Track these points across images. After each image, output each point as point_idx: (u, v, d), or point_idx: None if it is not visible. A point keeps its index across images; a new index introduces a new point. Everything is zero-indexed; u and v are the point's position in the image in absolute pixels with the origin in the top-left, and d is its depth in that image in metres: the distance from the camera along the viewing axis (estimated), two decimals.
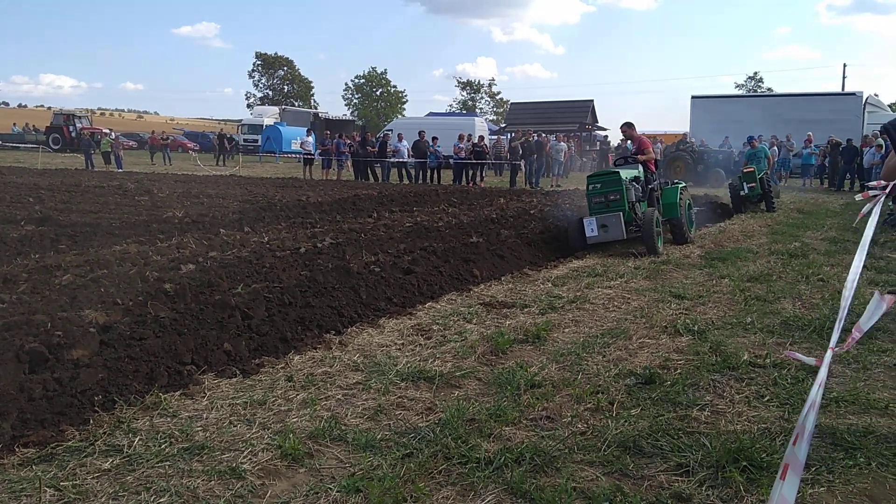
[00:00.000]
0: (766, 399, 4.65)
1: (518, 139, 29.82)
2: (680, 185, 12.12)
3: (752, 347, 5.79)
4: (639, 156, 12.02)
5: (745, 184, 17.55)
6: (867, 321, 2.73)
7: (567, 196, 19.26)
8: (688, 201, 12.18)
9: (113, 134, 41.09)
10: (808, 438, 1.94)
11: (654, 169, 12.24)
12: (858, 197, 6.28)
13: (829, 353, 2.39)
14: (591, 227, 10.61)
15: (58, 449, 3.73)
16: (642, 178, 11.73)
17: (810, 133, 29.80)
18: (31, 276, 7.61)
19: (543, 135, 31.82)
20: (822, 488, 3.45)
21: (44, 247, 9.69)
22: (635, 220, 10.95)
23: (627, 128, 12.62)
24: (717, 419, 4.32)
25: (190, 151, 48.39)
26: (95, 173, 28.39)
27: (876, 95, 40.84)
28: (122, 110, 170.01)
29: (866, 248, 3.75)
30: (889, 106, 47.59)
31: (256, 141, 51.83)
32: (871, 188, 6.42)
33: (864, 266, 9.07)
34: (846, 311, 3.00)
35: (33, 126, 58.08)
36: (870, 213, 5.43)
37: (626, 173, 11.28)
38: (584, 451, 3.84)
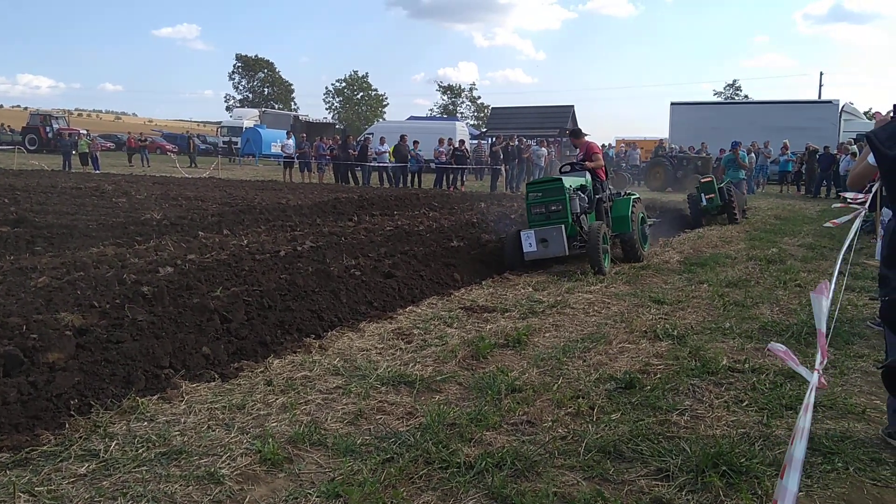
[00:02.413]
0: (745, 404, 4.68)
1: (500, 144, 29.88)
2: (633, 197, 10.94)
3: (730, 352, 5.83)
4: (587, 162, 10.83)
5: (703, 195, 16.22)
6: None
7: None
8: (641, 214, 10.95)
9: (90, 135, 40.70)
10: (798, 468, 1.91)
11: (604, 177, 11.09)
12: (837, 206, 6.39)
13: (815, 375, 2.37)
14: (528, 242, 9.37)
15: (33, 454, 3.68)
16: (589, 188, 10.47)
17: (786, 140, 30.13)
18: (6, 277, 7.52)
19: (524, 140, 31.92)
20: (800, 493, 3.47)
21: (19, 248, 9.58)
22: (580, 235, 9.76)
23: (574, 136, 11.72)
24: (697, 424, 4.34)
25: (168, 153, 48.02)
26: (72, 174, 28.10)
27: (851, 103, 41.36)
28: (100, 111, 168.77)
29: (839, 263, 3.79)
30: (864, 113, 48.15)
31: (236, 143, 51.54)
32: (852, 202, 6.52)
33: (841, 272, 9.19)
34: (831, 329, 3.00)
35: (9, 126, 57.41)
36: (843, 223, 5.52)
37: (570, 181, 10.07)
38: (565, 455, 3.84)
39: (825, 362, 2.48)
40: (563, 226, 9.36)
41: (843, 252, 3.84)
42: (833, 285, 3.40)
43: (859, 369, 5.46)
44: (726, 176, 18.47)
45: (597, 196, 10.58)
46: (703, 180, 16.73)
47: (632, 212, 10.43)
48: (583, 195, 10.12)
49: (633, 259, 10.35)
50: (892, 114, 5.10)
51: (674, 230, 14.40)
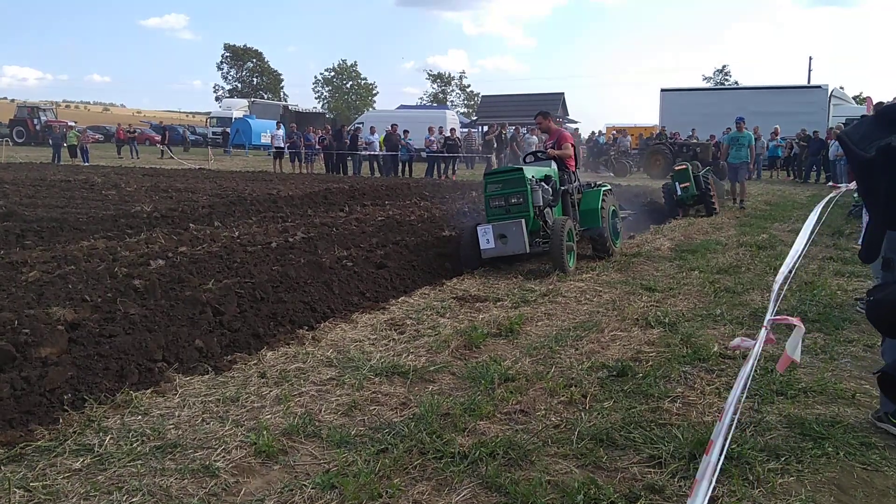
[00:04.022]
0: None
1: (493, 132, 29.86)
2: (603, 188, 10.14)
3: (721, 339, 5.86)
4: (551, 150, 9.94)
5: (677, 184, 15.03)
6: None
7: None
8: (612, 207, 10.08)
9: (79, 127, 40.45)
10: (731, 408, 2.00)
11: (574, 167, 10.14)
12: (830, 185, 6.50)
13: (762, 332, 2.46)
14: (486, 238, 8.58)
15: (27, 449, 3.68)
16: (555, 179, 9.56)
17: (777, 126, 30.19)
18: None
19: (518, 127, 31.95)
20: (791, 478, 3.51)
21: (9, 243, 9.54)
22: (543, 230, 8.97)
23: (543, 118, 10.38)
24: (689, 411, 4.37)
25: (157, 145, 47.76)
26: (61, 167, 27.97)
27: (841, 88, 41.63)
28: (88, 102, 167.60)
29: (811, 226, 3.88)
30: (853, 98, 48.33)
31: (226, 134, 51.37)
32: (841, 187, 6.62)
33: (831, 258, 9.25)
34: (782, 289, 3.08)
35: None
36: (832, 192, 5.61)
37: (534, 171, 9.23)
38: (558, 444, 3.87)
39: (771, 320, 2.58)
40: (523, 220, 8.56)
41: (811, 221, 3.92)
42: (797, 258, 3.48)
43: (849, 354, 5.50)
44: (730, 156, 17.04)
45: (562, 188, 9.69)
46: (677, 168, 15.59)
47: (602, 205, 9.68)
48: (547, 186, 9.23)
49: (602, 256, 9.64)
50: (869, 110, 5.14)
51: (665, 218, 14.41)
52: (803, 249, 3.61)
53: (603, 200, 9.73)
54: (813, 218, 4.22)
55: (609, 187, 10.48)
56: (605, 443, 3.89)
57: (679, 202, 15.17)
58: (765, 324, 2.55)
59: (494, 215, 8.94)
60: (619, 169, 30.61)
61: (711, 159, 23.52)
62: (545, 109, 10.48)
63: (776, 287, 3.09)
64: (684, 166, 15.33)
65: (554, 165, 9.77)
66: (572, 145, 10.19)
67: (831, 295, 7.38)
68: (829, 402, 4.51)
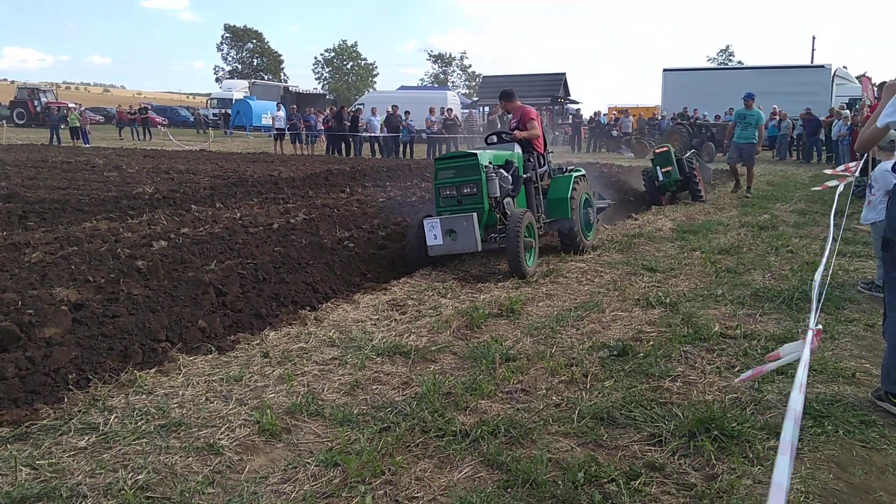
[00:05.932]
0: (736, 369, 4.73)
1: (496, 112, 29.75)
2: (575, 174, 8.90)
3: (722, 319, 5.88)
4: (517, 132, 8.70)
5: (658, 168, 13.41)
6: (789, 353, 2.71)
7: None
8: (584, 196, 8.88)
9: (81, 108, 40.35)
10: (796, 419, 1.99)
11: (542, 149, 8.95)
12: (829, 171, 6.50)
13: (809, 334, 2.46)
14: (433, 233, 7.45)
15: (32, 428, 3.71)
16: (517, 164, 8.35)
17: (775, 106, 30.01)
18: None
19: None
20: None
21: (11, 224, 9.56)
22: (501, 222, 7.84)
23: (506, 100, 9.08)
24: (689, 390, 4.39)
25: (158, 126, 47.63)
26: (62, 149, 27.93)
27: (844, 68, 41.34)
28: (88, 84, 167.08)
29: (831, 230, 3.87)
30: (857, 78, 48.03)
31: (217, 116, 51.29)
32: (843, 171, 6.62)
33: (832, 238, 9.26)
34: (822, 291, 3.11)
35: None
36: (835, 188, 5.61)
37: (492, 156, 8.01)
38: (559, 422, 3.89)
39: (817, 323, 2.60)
40: (475, 214, 7.40)
41: (832, 218, 3.92)
42: (827, 251, 3.49)
43: (850, 333, 5.52)
44: (735, 135, 15.15)
45: (525, 175, 8.51)
46: (657, 150, 13.90)
47: (572, 193, 8.51)
48: (506, 174, 8.04)
49: (572, 251, 8.53)
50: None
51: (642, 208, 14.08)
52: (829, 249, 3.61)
53: (574, 188, 8.60)
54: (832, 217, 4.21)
55: (583, 172, 9.31)
56: (605, 421, 3.91)
57: (661, 188, 13.72)
58: (811, 327, 2.55)
59: (445, 207, 7.82)
60: (640, 149, 30.45)
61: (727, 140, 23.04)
62: (508, 89, 9.22)
63: (815, 291, 3.09)
64: (665, 148, 13.76)
65: (518, 149, 8.62)
66: (538, 123, 8.92)
67: (832, 275, 7.38)
68: (829, 381, 4.53)
